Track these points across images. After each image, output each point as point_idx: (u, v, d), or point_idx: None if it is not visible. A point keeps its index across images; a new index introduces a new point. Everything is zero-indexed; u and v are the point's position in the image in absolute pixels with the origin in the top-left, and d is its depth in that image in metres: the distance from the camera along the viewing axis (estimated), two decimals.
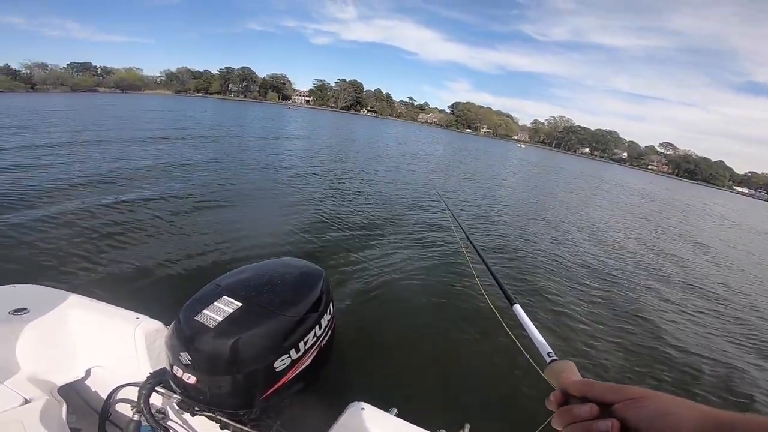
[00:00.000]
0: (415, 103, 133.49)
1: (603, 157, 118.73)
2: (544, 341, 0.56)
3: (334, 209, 7.91)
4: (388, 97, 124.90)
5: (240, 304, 1.33)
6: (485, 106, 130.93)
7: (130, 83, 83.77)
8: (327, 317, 1.58)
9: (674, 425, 0.39)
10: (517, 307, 0.69)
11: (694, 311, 6.29)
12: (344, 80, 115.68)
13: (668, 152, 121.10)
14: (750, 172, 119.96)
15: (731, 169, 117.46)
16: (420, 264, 5.76)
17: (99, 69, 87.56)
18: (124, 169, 9.20)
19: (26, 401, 1.23)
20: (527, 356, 0.70)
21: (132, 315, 1.55)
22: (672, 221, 16.78)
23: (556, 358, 0.53)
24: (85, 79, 78.59)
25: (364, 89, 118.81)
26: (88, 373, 1.56)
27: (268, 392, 1.35)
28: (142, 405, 1.29)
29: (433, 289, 5.03)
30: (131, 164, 9.82)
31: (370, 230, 6.86)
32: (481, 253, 1.10)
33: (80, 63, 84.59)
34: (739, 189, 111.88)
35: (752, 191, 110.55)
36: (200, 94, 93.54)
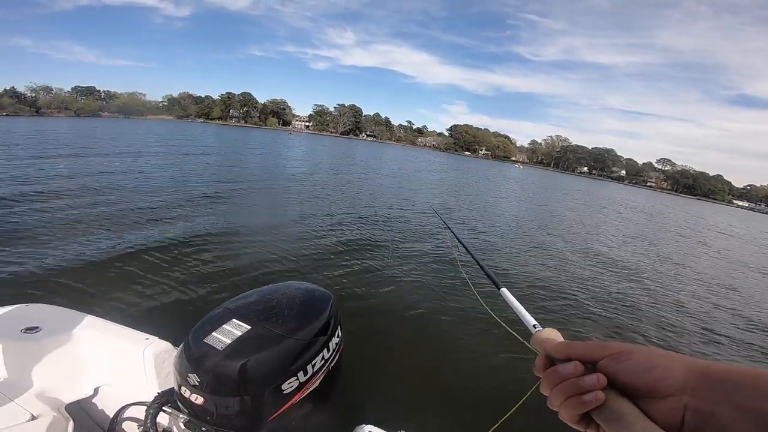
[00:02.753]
0: (414, 127, 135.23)
1: (602, 175, 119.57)
2: (529, 316, 0.58)
3: (342, 232, 7.95)
4: (387, 121, 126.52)
5: (248, 327, 1.34)
6: (483, 128, 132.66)
7: (133, 108, 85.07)
8: (335, 341, 1.59)
9: (662, 378, 0.39)
10: (504, 290, 0.71)
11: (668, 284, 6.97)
12: (343, 105, 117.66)
13: (666, 168, 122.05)
14: (749, 185, 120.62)
15: (730, 182, 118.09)
16: (427, 284, 5.77)
17: (102, 93, 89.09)
18: (135, 193, 9.35)
19: (33, 417, 1.25)
20: (515, 335, 0.74)
21: (142, 336, 1.57)
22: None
23: (540, 328, 0.53)
24: (89, 103, 79.68)
25: (363, 114, 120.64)
26: (96, 391, 1.57)
27: (276, 414, 1.34)
28: (148, 424, 1.29)
29: (442, 310, 5.03)
30: (142, 189, 9.98)
31: (376, 252, 6.88)
32: (467, 246, 1.15)
33: (84, 87, 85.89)
34: (739, 203, 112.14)
35: (752, 204, 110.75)
36: (201, 120, 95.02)
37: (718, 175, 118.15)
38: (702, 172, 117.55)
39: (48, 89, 75.83)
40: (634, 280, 8.24)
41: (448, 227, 1.80)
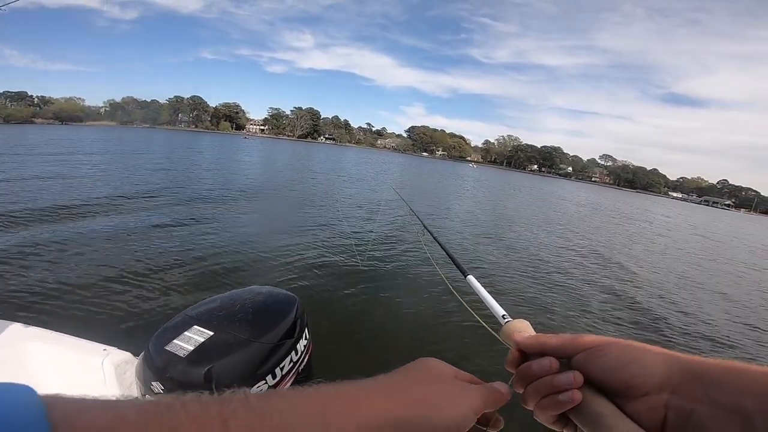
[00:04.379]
0: (373, 129, 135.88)
1: (550, 172, 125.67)
2: (497, 305, 0.55)
3: (304, 235, 7.84)
4: (346, 123, 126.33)
5: (211, 333, 1.31)
6: (440, 129, 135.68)
7: (71, 114, 79.49)
8: (303, 342, 1.58)
9: (640, 374, 0.38)
10: (471, 278, 0.68)
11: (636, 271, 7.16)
12: (300, 108, 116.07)
13: (608, 164, 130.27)
14: (681, 178, 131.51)
15: (665, 176, 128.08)
16: (395, 279, 5.84)
17: (36, 99, 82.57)
18: (84, 200, 8.82)
19: None
20: (485, 326, 0.71)
21: (99, 347, 1.49)
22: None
23: (510, 319, 0.50)
24: (20, 109, 73.90)
25: (322, 116, 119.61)
26: None
27: None
28: None
29: (406, 298, 5.11)
30: (92, 195, 9.45)
31: (342, 251, 6.85)
32: (432, 231, 1.17)
33: (14, 92, 79.54)
34: (674, 194, 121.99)
35: (685, 195, 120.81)
36: (147, 125, 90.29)
37: (654, 169, 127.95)
38: (640, 167, 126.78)
39: None
40: (599, 268, 8.65)
41: (414, 213, 1.81)
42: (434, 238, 1.13)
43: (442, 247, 1.00)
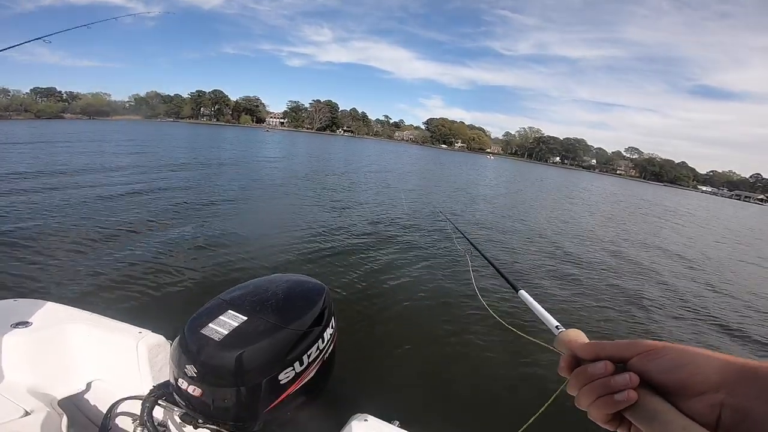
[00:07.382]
0: (391, 121, 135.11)
1: (573, 164, 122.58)
2: (551, 318, 0.56)
3: (333, 224, 7.98)
4: (364, 116, 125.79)
5: (245, 318, 1.34)
6: (458, 121, 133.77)
7: (98, 109, 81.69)
8: (330, 331, 1.60)
9: (696, 375, 0.38)
10: (523, 293, 0.69)
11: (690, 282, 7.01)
12: (319, 101, 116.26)
13: (634, 156, 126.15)
14: (711, 171, 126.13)
15: (694, 169, 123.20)
16: (419, 273, 5.85)
17: (64, 94, 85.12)
18: (125, 188, 9.24)
19: (27, 413, 1.22)
20: (531, 338, 0.70)
21: (134, 329, 1.55)
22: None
23: (564, 329, 0.51)
24: (50, 105, 76.23)
25: (340, 109, 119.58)
26: (88, 386, 1.55)
27: (272, 405, 1.35)
28: (145, 418, 1.28)
29: (433, 297, 5.10)
30: (132, 183, 9.90)
31: (369, 243, 6.94)
32: (484, 254, 1.14)
33: (44, 88, 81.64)
34: (703, 188, 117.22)
35: (715, 189, 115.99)
36: (171, 119, 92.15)
37: (683, 162, 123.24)
38: (668, 160, 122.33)
39: (5, 91, 72.26)
40: (649, 274, 8.24)
41: (463, 234, 1.71)
42: (486, 258, 1.06)
43: (493, 266, 0.97)
